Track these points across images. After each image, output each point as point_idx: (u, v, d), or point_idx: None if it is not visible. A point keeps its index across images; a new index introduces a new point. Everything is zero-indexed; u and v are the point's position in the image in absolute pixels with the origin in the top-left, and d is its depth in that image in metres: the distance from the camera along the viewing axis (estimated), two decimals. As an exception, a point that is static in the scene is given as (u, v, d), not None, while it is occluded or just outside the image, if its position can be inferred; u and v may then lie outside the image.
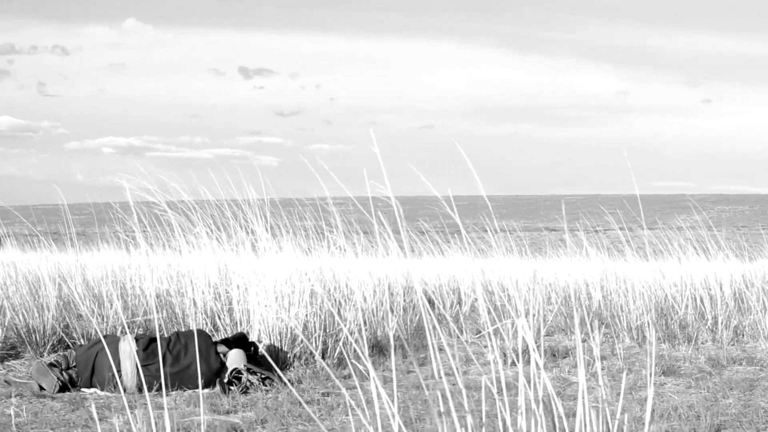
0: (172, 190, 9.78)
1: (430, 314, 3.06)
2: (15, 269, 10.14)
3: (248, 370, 7.52)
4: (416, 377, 8.07)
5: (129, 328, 9.37)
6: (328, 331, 8.62)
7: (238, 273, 9.00)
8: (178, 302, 9.40)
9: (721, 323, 10.07)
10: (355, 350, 8.52)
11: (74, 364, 7.56)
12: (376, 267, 10.43)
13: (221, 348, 7.77)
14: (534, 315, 9.17)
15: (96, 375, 7.51)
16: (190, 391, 7.46)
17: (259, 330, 8.53)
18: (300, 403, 6.99)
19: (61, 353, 7.90)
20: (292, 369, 8.17)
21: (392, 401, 3.07)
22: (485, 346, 9.26)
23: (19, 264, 10.80)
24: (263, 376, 7.52)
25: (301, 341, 8.42)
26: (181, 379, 7.54)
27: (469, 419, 2.94)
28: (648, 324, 9.86)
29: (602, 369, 7.77)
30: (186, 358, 7.60)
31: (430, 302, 12.56)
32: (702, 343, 9.82)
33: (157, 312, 9.58)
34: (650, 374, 2.95)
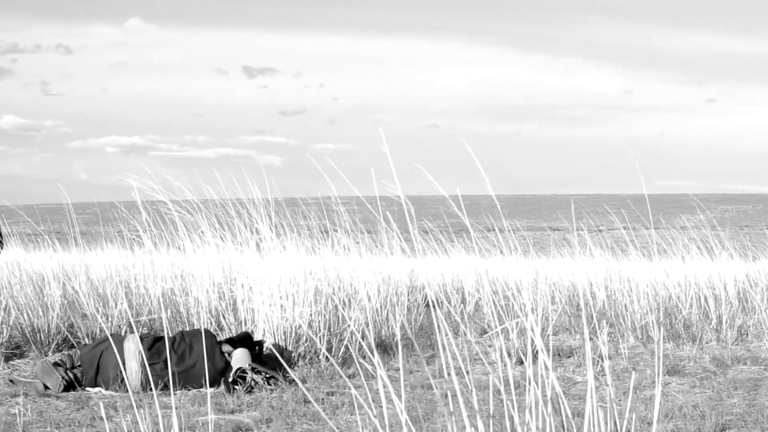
0: (177, 190, 9.78)
1: (438, 314, 3.06)
2: (19, 268, 10.14)
3: (253, 369, 7.52)
4: (421, 376, 8.07)
5: (134, 327, 9.38)
6: (332, 330, 8.62)
7: (242, 272, 9.00)
8: (183, 301, 9.40)
9: (726, 323, 10.07)
10: (359, 349, 8.52)
11: (79, 363, 7.57)
12: (380, 266, 10.42)
13: (226, 347, 7.77)
14: (542, 314, 9.18)
15: (101, 374, 7.51)
16: (195, 391, 7.47)
17: (264, 329, 8.53)
18: (305, 402, 7.00)
19: (65, 352, 7.90)
20: (296, 368, 8.17)
21: (400, 398, 3.07)
22: (489, 346, 9.26)
23: (23, 263, 10.80)
24: (268, 376, 7.52)
25: (306, 340, 8.42)
26: (186, 379, 7.55)
27: (479, 418, 2.94)
28: (653, 323, 9.86)
29: (609, 369, 7.77)
30: (191, 357, 7.60)
31: (435, 302, 12.57)
32: (706, 342, 9.82)
33: (162, 311, 9.58)
34: (658, 374, 2.95)
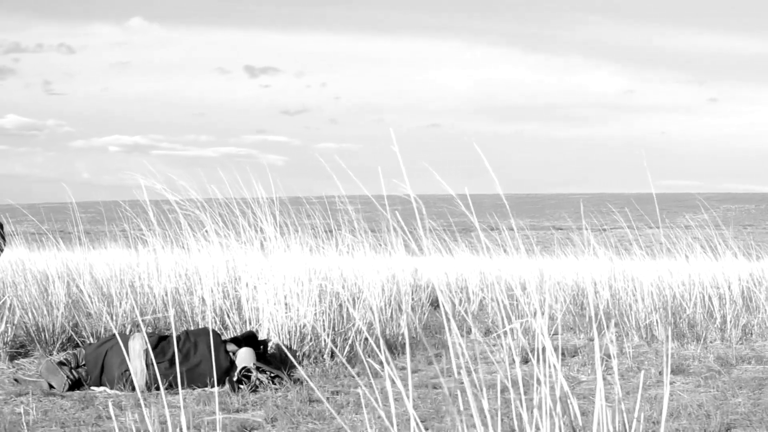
0: (181, 189, 9.79)
1: (448, 313, 3.06)
2: (24, 267, 10.15)
3: (257, 368, 7.52)
4: (426, 375, 8.07)
5: (140, 326, 9.38)
6: (337, 329, 8.62)
7: (247, 271, 9.01)
8: (188, 300, 9.41)
9: (730, 322, 10.06)
10: (364, 348, 8.52)
11: (84, 362, 7.57)
12: (384, 265, 10.43)
13: (231, 346, 7.77)
14: (548, 314, 9.16)
15: (105, 373, 7.51)
16: (200, 390, 7.47)
17: (269, 328, 8.54)
18: (310, 401, 7.00)
19: (70, 351, 7.90)
20: (301, 367, 8.17)
21: (407, 397, 3.07)
22: (494, 345, 9.26)
23: (27, 262, 10.81)
24: (272, 375, 7.52)
25: (311, 340, 8.42)
26: (191, 378, 7.55)
27: (489, 417, 2.94)
28: (657, 323, 9.85)
29: (613, 368, 7.77)
30: (195, 356, 7.60)
31: (438, 300, 12.56)
32: (711, 341, 9.81)
33: (167, 310, 9.59)
34: (666, 373, 2.95)
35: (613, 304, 10.65)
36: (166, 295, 9.87)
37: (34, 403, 6.95)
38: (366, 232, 10.96)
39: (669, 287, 10.68)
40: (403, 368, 8.19)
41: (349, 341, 8.61)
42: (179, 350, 7.59)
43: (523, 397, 3.09)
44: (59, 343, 8.70)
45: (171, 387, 7.44)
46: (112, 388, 7.48)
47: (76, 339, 8.74)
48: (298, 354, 8.34)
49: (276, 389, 7.40)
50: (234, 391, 7.33)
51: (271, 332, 8.50)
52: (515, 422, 3.15)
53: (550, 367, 3.15)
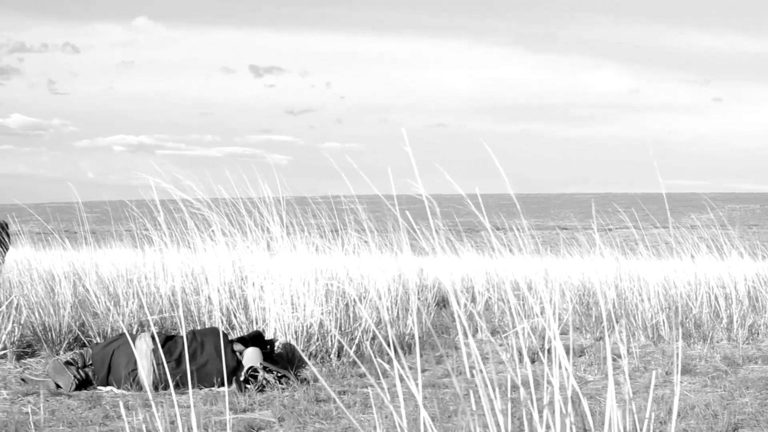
0: (187, 188, 9.79)
1: (459, 314, 3.06)
2: (30, 267, 10.15)
3: (264, 368, 7.53)
4: (432, 375, 8.07)
5: (151, 324, 9.38)
6: (343, 329, 8.62)
7: (253, 271, 9.01)
8: (194, 300, 9.41)
9: (736, 322, 10.05)
10: (372, 348, 8.52)
11: (90, 362, 7.57)
12: (391, 265, 10.43)
13: (237, 346, 7.77)
14: (557, 313, 9.16)
15: (112, 373, 7.52)
16: (206, 389, 7.47)
17: (275, 328, 8.54)
18: (316, 400, 7.00)
19: (77, 351, 7.90)
20: (307, 367, 8.17)
21: (418, 396, 3.07)
22: (500, 345, 9.26)
23: (34, 262, 10.81)
24: (279, 375, 7.52)
25: (317, 339, 8.42)
26: (198, 378, 7.55)
27: (500, 417, 2.94)
28: (663, 322, 9.85)
29: (619, 368, 7.77)
30: (202, 356, 7.60)
31: (445, 300, 12.56)
32: (717, 341, 9.80)
33: (173, 310, 9.59)
34: (677, 372, 2.95)
35: (619, 304, 10.65)
36: (173, 294, 9.88)
37: (42, 402, 6.95)
38: (372, 232, 10.97)
39: (675, 287, 10.68)
40: (411, 368, 8.19)
41: (356, 341, 8.61)
42: (186, 350, 7.59)
43: (534, 397, 3.09)
44: (66, 342, 8.70)
45: (178, 387, 7.44)
46: (119, 388, 7.49)
47: (83, 339, 8.74)
48: (305, 354, 8.34)
49: (283, 389, 7.40)
50: (241, 390, 7.33)
51: (277, 332, 8.50)
52: (525, 422, 3.15)
53: (560, 367, 3.15)
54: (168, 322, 9.55)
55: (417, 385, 3.00)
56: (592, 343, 9.66)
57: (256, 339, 7.86)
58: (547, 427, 3.08)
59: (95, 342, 8.60)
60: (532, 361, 8.39)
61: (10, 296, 8.94)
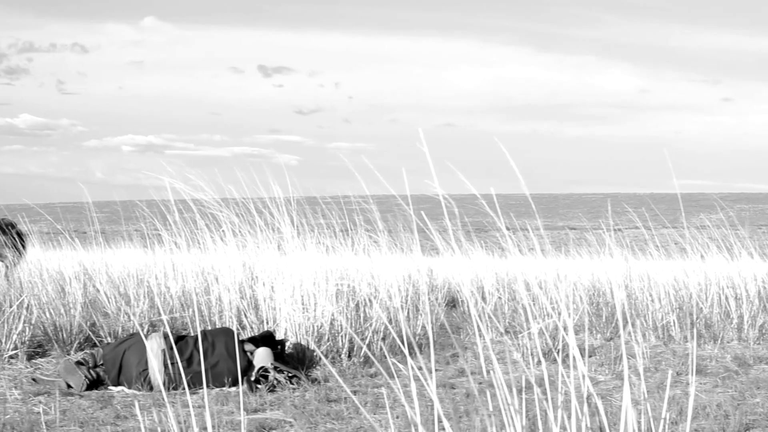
0: (198, 188, 9.79)
1: (477, 316, 3.06)
2: (40, 267, 10.17)
3: (275, 368, 7.53)
4: (443, 375, 8.06)
5: (157, 325, 9.39)
6: (354, 329, 8.62)
7: (264, 271, 9.01)
8: (205, 300, 9.41)
9: (747, 322, 10.04)
10: (381, 349, 8.52)
11: (101, 362, 7.58)
12: (401, 265, 10.42)
13: (248, 346, 7.77)
14: (570, 314, 9.15)
15: (123, 373, 7.52)
16: (217, 389, 7.47)
17: (286, 328, 8.54)
18: (327, 401, 7.00)
19: (88, 351, 7.91)
20: (318, 367, 8.17)
21: (433, 395, 3.07)
22: (512, 345, 9.25)
23: (44, 262, 10.83)
24: (290, 375, 7.52)
25: (327, 339, 8.42)
26: (208, 377, 7.55)
27: (516, 417, 2.93)
28: (674, 323, 9.84)
29: (629, 368, 7.76)
30: (213, 356, 7.61)
31: (454, 301, 12.56)
32: (728, 342, 9.79)
33: (184, 310, 9.59)
34: (692, 372, 2.95)
35: (629, 305, 10.63)
36: (183, 294, 9.89)
37: (53, 402, 6.96)
38: (382, 232, 10.96)
39: (685, 287, 10.66)
40: (420, 368, 8.19)
41: (366, 341, 8.61)
42: (197, 350, 7.59)
43: (549, 396, 3.08)
44: (77, 342, 8.71)
45: (189, 387, 7.45)
46: (130, 388, 7.49)
47: (94, 339, 8.75)
48: (315, 354, 8.34)
49: (294, 389, 7.40)
50: (252, 390, 7.34)
51: (288, 332, 8.50)
52: (539, 421, 3.15)
53: (575, 368, 3.15)
54: (178, 322, 9.56)
55: (431, 384, 3.00)
56: (602, 343, 9.65)
57: (266, 339, 7.86)
58: (562, 428, 3.08)
59: (106, 342, 8.61)
60: (544, 362, 8.39)
61: (21, 296, 8.95)
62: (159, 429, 6.10)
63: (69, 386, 7.40)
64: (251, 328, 9.04)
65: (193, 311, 9.44)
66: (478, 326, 3.08)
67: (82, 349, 8.66)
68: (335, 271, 9.01)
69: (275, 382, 7.44)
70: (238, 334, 8.38)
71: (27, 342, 8.44)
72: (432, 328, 9.83)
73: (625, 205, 14.86)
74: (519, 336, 9.12)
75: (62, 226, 13.10)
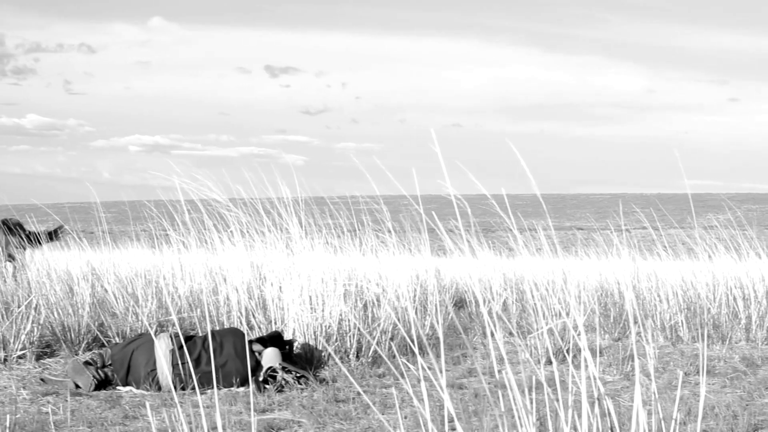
0: (205, 188, 9.79)
1: (485, 314, 3.05)
2: (49, 267, 10.17)
3: (283, 368, 7.53)
4: (451, 376, 8.06)
5: (167, 326, 9.40)
6: (362, 329, 8.62)
7: (272, 271, 9.02)
8: (213, 300, 9.42)
9: (755, 323, 10.03)
10: (389, 349, 8.52)
11: (110, 362, 7.59)
12: (409, 265, 10.42)
13: (256, 346, 7.77)
14: (583, 314, 9.14)
15: (132, 373, 7.53)
16: (225, 390, 7.48)
17: (294, 328, 8.54)
18: (336, 401, 7.00)
19: (96, 351, 7.92)
20: (326, 367, 8.17)
21: (443, 394, 3.07)
22: (520, 345, 9.24)
23: (52, 262, 10.84)
24: (298, 375, 7.53)
25: (336, 340, 8.42)
26: (217, 378, 7.55)
27: (528, 418, 2.93)
28: (682, 323, 9.83)
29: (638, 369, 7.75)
30: (221, 356, 7.61)
31: (462, 301, 12.55)
32: (736, 342, 9.78)
33: (192, 310, 9.60)
34: (703, 373, 2.94)
35: (637, 305, 10.62)
36: (191, 294, 9.89)
37: (61, 402, 6.97)
38: (390, 232, 10.97)
39: (693, 287, 10.65)
40: (429, 368, 8.18)
41: (374, 341, 8.60)
42: (205, 350, 7.60)
43: (560, 396, 3.08)
44: (85, 342, 8.72)
45: (197, 387, 7.45)
46: (138, 388, 7.50)
47: (102, 339, 8.76)
48: (324, 354, 8.35)
49: (302, 389, 7.40)
50: (260, 391, 7.34)
51: (296, 332, 8.51)
52: (549, 422, 3.15)
53: (586, 368, 3.14)
54: (186, 322, 9.56)
55: (442, 383, 3.00)
56: (610, 343, 9.64)
57: (275, 339, 7.87)
58: (573, 428, 3.08)
59: (114, 342, 8.62)
60: (549, 362, 8.38)
61: (30, 296, 8.97)
62: (169, 429, 6.11)
63: (77, 386, 7.41)
64: (259, 328, 9.04)
65: (202, 311, 9.44)
66: (489, 326, 3.07)
67: (91, 350, 8.67)
68: (343, 271, 9.01)
69: (283, 382, 7.44)
70: (247, 335, 8.39)
71: (35, 342, 8.45)
72: (442, 328, 9.83)
73: (633, 205, 14.85)
74: (529, 336, 9.12)
75: (70, 226, 13.11)
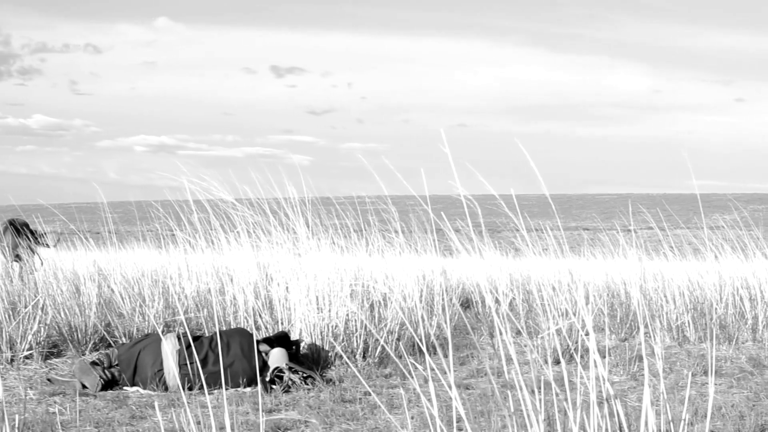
0: (212, 188, 9.80)
1: (495, 315, 3.05)
2: (55, 267, 10.18)
3: (290, 368, 7.53)
4: (457, 376, 8.06)
5: (173, 326, 9.40)
6: (368, 329, 8.62)
7: (279, 271, 9.02)
8: (220, 301, 9.42)
9: (762, 323, 10.02)
10: (396, 348, 8.52)
11: (116, 362, 7.59)
12: (416, 265, 10.41)
13: (263, 347, 7.78)
14: (591, 314, 9.14)
15: (138, 373, 7.53)
16: (232, 390, 7.48)
17: (301, 328, 8.54)
18: (342, 401, 7.00)
19: (103, 351, 7.93)
20: (333, 368, 8.17)
21: (452, 393, 3.07)
22: (526, 345, 9.24)
23: (59, 262, 10.85)
24: (305, 375, 7.53)
25: (342, 340, 8.42)
26: (227, 377, 7.56)
27: (536, 418, 2.93)
28: (688, 323, 9.82)
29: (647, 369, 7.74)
30: (228, 356, 7.61)
31: (468, 301, 12.55)
32: (742, 342, 9.77)
33: (199, 311, 9.61)
34: (711, 373, 2.94)
35: (644, 305, 10.61)
36: (198, 295, 9.89)
37: (68, 402, 6.97)
38: (397, 232, 10.97)
39: (699, 288, 10.64)
40: (441, 365, 8.19)
41: (381, 341, 8.60)
42: (212, 350, 7.60)
43: (569, 396, 3.08)
44: (92, 343, 8.73)
45: (203, 387, 7.45)
46: (144, 388, 7.50)
47: (109, 339, 8.77)
48: (330, 354, 8.35)
49: (308, 389, 7.40)
50: (267, 391, 7.34)
51: (303, 332, 8.51)
52: (558, 421, 3.15)
53: (594, 368, 3.14)
54: (193, 322, 9.57)
55: (450, 382, 3.00)
56: (616, 343, 9.64)
57: (281, 339, 7.87)
58: (581, 428, 3.08)
59: (121, 342, 8.62)
60: (557, 362, 8.37)
61: (36, 297, 8.97)
62: (177, 429, 6.11)
63: (84, 387, 7.41)
64: (266, 328, 9.04)
65: (208, 312, 9.45)
66: (497, 325, 3.07)
67: (97, 350, 8.68)
68: (350, 271, 9.01)
69: (290, 382, 7.44)
70: (253, 335, 8.39)
71: (42, 342, 8.46)
72: (449, 328, 9.83)
73: (639, 205, 14.84)
74: (536, 336, 9.11)
75: (76, 226, 13.13)
